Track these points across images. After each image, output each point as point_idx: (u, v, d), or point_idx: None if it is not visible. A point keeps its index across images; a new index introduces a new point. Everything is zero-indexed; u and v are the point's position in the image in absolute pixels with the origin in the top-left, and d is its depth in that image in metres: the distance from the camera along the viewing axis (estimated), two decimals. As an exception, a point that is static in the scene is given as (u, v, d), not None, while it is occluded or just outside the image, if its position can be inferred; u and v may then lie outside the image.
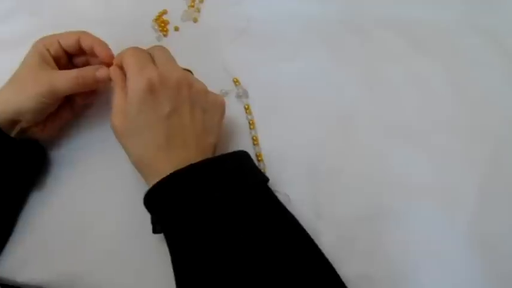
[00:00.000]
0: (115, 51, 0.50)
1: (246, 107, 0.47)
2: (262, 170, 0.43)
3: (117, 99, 0.38)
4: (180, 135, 0.37)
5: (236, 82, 0.49)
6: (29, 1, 0.57)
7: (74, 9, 0.55)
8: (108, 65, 0.42)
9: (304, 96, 0.48)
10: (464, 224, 0.41)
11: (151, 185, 0.36)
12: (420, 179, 0.43)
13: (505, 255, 0.40)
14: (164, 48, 0.41)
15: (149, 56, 0.39)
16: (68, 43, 0.43)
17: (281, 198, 0.37)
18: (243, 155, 0.38)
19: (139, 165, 0.38)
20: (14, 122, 0.40)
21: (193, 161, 0.35)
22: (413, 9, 0.53)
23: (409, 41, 0.51)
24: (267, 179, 0.37)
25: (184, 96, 0.37)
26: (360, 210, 0.42)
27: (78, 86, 0.41)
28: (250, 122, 0.46)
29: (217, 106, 0.40)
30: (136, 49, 0.40)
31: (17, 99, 0.39)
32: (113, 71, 0.40)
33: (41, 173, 0.44)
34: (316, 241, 0.40)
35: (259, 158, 0.44)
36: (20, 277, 0.40)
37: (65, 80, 0.40)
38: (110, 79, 0.41)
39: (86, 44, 0.43)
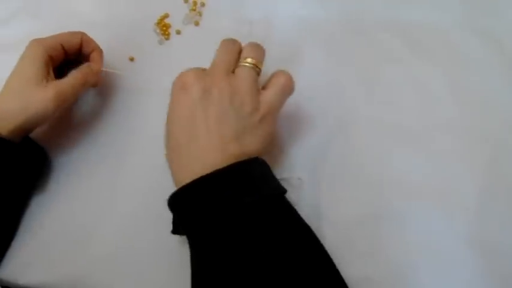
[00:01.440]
0: (117, 55, 0.51)
1: None
2: None
3: None
4: (200, 137, 0.36)
5: None
6: (30, 4, 0.57)
7: (75, 12, 0.56)
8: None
9: (305, 97, 0.48)
10: (465, 225, 0.41)
11: (177, 185, 0.35)
12: (420, 180, 0.43)
13: (505, 255, 0.40)
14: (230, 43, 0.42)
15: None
16: (71, 46, 0.44)
17: (294, 182, 0.37)
18: (263, 163, 0.37)
19: (168, 160, 0.38)
20: (22, 130, 0.41)
21: (210, 166, 0.34)
22: (413, 11, 0.53)
23: (408, 42, 0.51)
24: (285, 191, 0.37)
25: (213, 99, 0.36)
26: (361, 212, 0.42)
27: (85, 86, 0.43)
28: None
29: (264, 118, 0.38)
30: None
31: (29, 113, 0.40)
32: None
33: (42, 175, 0.44)
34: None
35: None
36: (22, 279, 0.40)
37: (73, 84, 0.42)
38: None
39: (87, 49, 0.45)
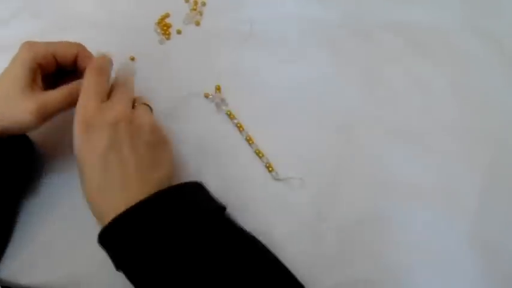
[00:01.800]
0: (117, 55, 0.50)
1: (228, 113, 0.47)
2: (267, 165, 0.44)
3: None
4: (119, 173, 0.35)
5: (218, 89, 0.49)
6: (30, 4, 0.57)
7: (75, 13, 0.55)
8: None
9: (306, 98, 0.48)
10: (466, 226, 0.41)
11: (99, 224, 0.35)
12: (421, 180, 0.43)
13: (506, 255, 0.40)
14: (128, 81, 0.41)
15: (104, 85, 0.38)
16: (64, 57, 0.41)
17: (295, 182, 0.39)
18: (189, 188, 0.37)
19: (88, 202, 0.36)
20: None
21: (135, 198, 0.34)
22: (414, 11, 0.53)
23: (409, 43, 0.51)
24: (222, 208, 0.36)
25: (121, 132, 0.36)
26: (362, 212, 0.42)
27: (70, 104, 0.40)
28: (238, 125, 0.46)
29: (165, 142, 0.39)
30: (94, 76, 0.39)
31: (6, 121, 0.38)
32: None
33: (41, 174, 0.44)
34: (318, 243, 0.40)
35: (260, 155, 0.44)
36: (23, 279, 0.40)
37: (58, 101, 0.39)
38: None
39: (82, 63, 0.42)
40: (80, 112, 0.36)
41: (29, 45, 0.40)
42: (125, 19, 0.54)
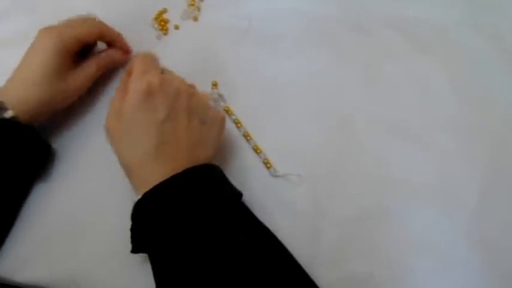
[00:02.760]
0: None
1: (226, 109, 0.47)
2: (265, 161, 0.44)
3: (115, 101, 0.38)
4: (172, 142, 0.36)
5: (214, 85, 0.48)
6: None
7: (73, 7, 0.55)
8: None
9: (305, 94, 0.48)
10: (465, 224, 0.41)
11: (138, 193, 0.35)
12: (420, 178, 0.43)
13: (506, 254, 0.40)
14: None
15: (158, 63, 0.40)
16: (88, 40, 0.45)
17: (293, 179, 0.40)
18: (216, 168, 0.38)
19: (127, 170, 0.37)
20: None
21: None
22: (414, 7, 0.53)
23: (409, 39, 0.51)
24: (241, 194, 0.38)
25: (182, 104, 0.37)
26: (361, 210, 0.42)
27: (102, 70, 0.46)
28: (236, 121, 0.46)
29: (217, 121, 0.40)
30: (147, 55, 0.40)
31: (58, 102, 0.42)
32: (122, 77, 0.41)
33: (44, 169, 0.44)
34: (318, 239, 0.40)
35: (258, 151, 0.44)
36: (19, 276, 0.40)
37: (95, 71, 0.45)
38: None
39: (107, 39, 0.47)
40: (141, 80, 0.37)
41: (51, 33, 0.42)
42: (122, 14, 0.53)
